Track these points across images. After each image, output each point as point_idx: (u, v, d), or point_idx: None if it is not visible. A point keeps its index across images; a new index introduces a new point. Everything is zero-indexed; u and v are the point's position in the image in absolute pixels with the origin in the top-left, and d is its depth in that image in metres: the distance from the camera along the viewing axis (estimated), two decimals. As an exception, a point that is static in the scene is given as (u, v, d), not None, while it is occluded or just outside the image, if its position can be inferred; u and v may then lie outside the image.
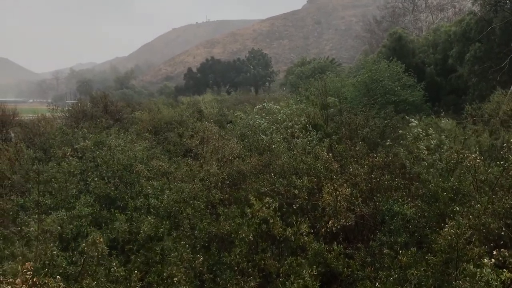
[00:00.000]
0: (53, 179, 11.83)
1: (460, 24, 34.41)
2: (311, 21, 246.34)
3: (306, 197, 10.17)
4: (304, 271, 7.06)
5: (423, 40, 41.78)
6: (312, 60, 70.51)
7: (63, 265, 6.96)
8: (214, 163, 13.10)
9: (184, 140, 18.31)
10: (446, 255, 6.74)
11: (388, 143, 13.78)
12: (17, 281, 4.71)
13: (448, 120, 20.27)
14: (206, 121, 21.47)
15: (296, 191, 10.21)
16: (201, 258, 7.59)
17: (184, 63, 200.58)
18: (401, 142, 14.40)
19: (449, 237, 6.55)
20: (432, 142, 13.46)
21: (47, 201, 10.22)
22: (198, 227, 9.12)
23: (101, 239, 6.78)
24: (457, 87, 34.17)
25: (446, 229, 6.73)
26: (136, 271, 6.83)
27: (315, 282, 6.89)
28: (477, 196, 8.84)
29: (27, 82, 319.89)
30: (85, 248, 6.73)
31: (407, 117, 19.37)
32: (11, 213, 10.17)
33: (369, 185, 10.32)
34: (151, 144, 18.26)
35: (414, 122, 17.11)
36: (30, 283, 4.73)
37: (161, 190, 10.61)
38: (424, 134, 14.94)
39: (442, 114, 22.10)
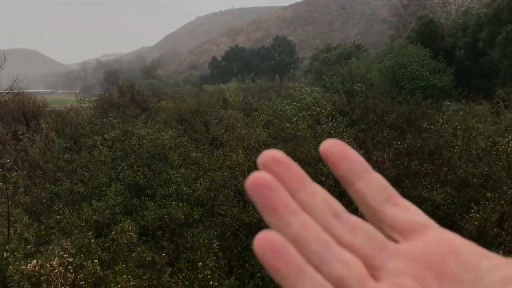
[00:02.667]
0: (83, 168, 12.15)
1: (492, 6, 33.35)
2: (336, 6, 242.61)
3: (333, 183, 10.15)
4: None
5: (452, 23, 40.68)
6: (337, 46, 69.58)
7: (98, 251, 7.18)
8: (240, 151, 13.19)
9: (210, 128, 18.46)
10: (476, 241, 6.65)
11: (426, 126, 13.56)
12: (54, 263, 4.89)
13: (481, 105, 19.84)
14: (231, 109, 21.56)
15: (323, 178, 10.20)
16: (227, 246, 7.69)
17: (208, 51, 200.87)
18: (432, 127, 14.14)
19: (476, 222, 6.48)
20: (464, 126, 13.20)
21: (80, 189, 10.51)
22: (228, 215, 9.26)
23: (130, 227, 6.94)
24: (487, 71, 33.25)
25: (473, 214, 6.66)
26: (164, 255, 6.98)
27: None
28: (509, 181, 8.67)
29: (56, 74, 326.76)
30: (115, 235, 6.92)
31: (445, 102, 18.96)
32: (44, 201, 10.49)
33: (397, 171, 10.24)
34: (177, 132, 18.48)
35: (447, 105, 16.77)
36: (68, 267, 4.90)
37: (194, 178, 10.77)
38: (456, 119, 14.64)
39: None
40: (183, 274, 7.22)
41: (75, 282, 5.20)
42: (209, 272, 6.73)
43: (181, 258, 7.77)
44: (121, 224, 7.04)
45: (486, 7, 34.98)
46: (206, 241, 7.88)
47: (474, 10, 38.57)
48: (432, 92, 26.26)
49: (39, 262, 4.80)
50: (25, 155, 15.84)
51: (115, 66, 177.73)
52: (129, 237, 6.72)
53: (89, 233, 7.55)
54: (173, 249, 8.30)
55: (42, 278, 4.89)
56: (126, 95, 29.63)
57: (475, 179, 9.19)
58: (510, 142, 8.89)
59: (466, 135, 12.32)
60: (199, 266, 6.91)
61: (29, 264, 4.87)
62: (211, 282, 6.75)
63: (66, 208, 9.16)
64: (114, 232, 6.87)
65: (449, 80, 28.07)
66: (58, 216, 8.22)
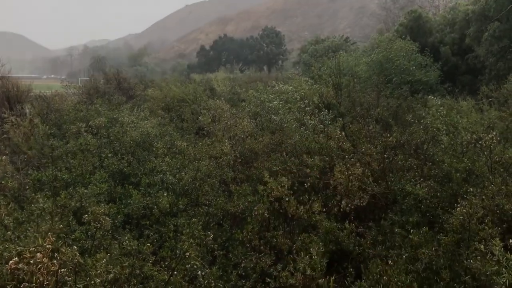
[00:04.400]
0: (68, 154, 12.01)
1: (479, 2, 33.59)
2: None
3: (318, 176, 10.20)
4: (311, 248, 7.12)
5: (440, 19, 40.92)
6: (326, 38, 69.54)
7: (82, 238, 7.12)
8: (226, 141, 13.16)
9: (197, 118, 18.36)
10: (458, 235, 6.75)
11: (410, 119, 13.58)
12: (38, 255, 4.82)
13: (466, 101, 20.04)
14: (218, 99, 21.47)
15: (308, 170, 10.24)
16: (212, 236, 7.66)
17: (196, 40, 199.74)
18: (417, 121, 14.23)
19: (461, 217, 6.55)
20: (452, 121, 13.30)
21: (64, 176, 10.39)
22: (213, 204, 9.25)
23: (102, 210, 6.81)
24: (473, 67, 33.59)
25: (459, 208, 6.72)
26: (148, 244, 6.94)
27: (322, 260, 6.94)
28: (490, 177, 8.79)
29: (41, 59, 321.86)
30: (86, 219, 6.80)
31: (429, 96, 19.02)
32: (27, 188, 10.35)
33: (382, 165, 10.30)
34: (163, 121, 18.35)
35: (434, 100, 16.82)
36: (50, 256, 4.84)
37: (179, 168, 10.71)
38: (442, 114, 14.72)
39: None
40: (166, 263, 7.20)
41: (57, 270, 5.15)
42: (196, 262, 6.71)
43: (164, 247, 7.75)
44: (92, 208, 6.90)
45: (474, 3, 35.21)
46: (189, 230, 7.85)
47: (461, 6, 38.81)
48: (418, 86, 26.44)
49: (19, 251, 4.73)
50: (7, 140, 15.61)
51: (102, 52, 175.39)
52: (103, 221, 6.60)
53: (69, 219, 7.47)
54: (156, 238, 8.27)
55: (25, 269, 4.81)
56: (112, 82, 29.33)
57: (458, 174, 9.30)
58: (494, 138, 9.00)
59: (451, 130, 12.44)
60: (186, 255, 6.86)
61: (11, 262, 4.79)
62: (199, 272, 6.74)
63: (49, 194, 9.05)
64: (86, 216, 6.75)
65: (435, 75, 28.24)
66: (39, 204, 8.09)
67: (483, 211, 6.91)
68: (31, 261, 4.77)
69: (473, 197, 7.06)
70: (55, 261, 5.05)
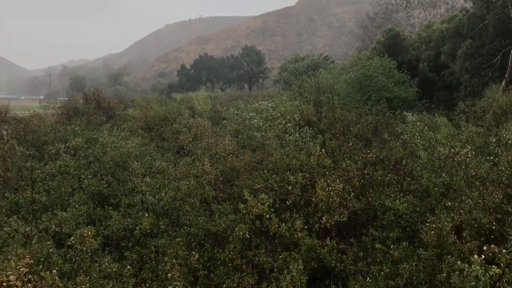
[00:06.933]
0: (47, 176, 11.81)
1: (453, 21, 34.62)
2: (305, 17, 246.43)
3: (299, 193, 10.22)
4: (291, 266, 7.12)
5: (416, 36, 41.93)
6: (305, 56, 70.46)
7: (59, 262, 6.98)
8: (206, 159, 13.11)
9: (178, 136, 18.29)
10: (437, 249, 6.82)
11: (387, 137, 13.76)
12: (11, 278, 4.70)
13: (444, 116, 20.43)
14: (199, 117, 21.49)
15: (290, 187, 10.25)
16: (196, 256, 7.59)
17: (177, 59, 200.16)
18: (395, 137, 14.44)
19: (432, 232, 6.65)
20: (429, 136, 13.52)
21: (42, 199, 10.20)
22: (194, 224, 9.17)
23: (89, 232, 6.73)
24: (449, 83, 34.39)
25: (428, 224, 6.84)
26: (128, 267, 6.83)
27: (302, 277, 6.93)
28: (468, 191, 8.93)
29: (19, 79, 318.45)
30: (73, 241, 6.70)
31: (404, 112, 19.37)
32: (4, 211, 10.13)
33: (362, 181, 10.38)
34: (144, 141, 18.23)
35: (410, 116, 17.11)
36: (25, 279, 4.72)
37: (158, 187, 10.60)
38: (419, 130, 14.97)
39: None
40: (147, 285, 7.09)
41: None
42: (178, 283, 6.63)
43: (144, 269, 7.64)
44: (79, 230, 6.80)
45: (448, 22, 36.28)
46: (171, 251, 7.76)
47: (436, 24, 39.90)
48: (397, 103, 26.90)
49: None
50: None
51: (81, 72, 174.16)
52: (89, 244, 6.51)
53: (48, 243, 7.33)
54: (137, 259, 8.15)
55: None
56: (92, 102, 29.04)
57: (436, 188, 9.43)
58: (469, 152, 9.17)
59: (427, 145, 12.64)
60: (167, 277, 6.77)
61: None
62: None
63: (29, 217, 8.88)
64: (72, 238, 6.64)
65: (413, 91, 28.81)
66: (17, 227, 7.92)
67: (452, 223, 7.03)
68: (4, 284, 4.66)
69: (442, 211, 7.16)
70: (30, 285, 4.93)
